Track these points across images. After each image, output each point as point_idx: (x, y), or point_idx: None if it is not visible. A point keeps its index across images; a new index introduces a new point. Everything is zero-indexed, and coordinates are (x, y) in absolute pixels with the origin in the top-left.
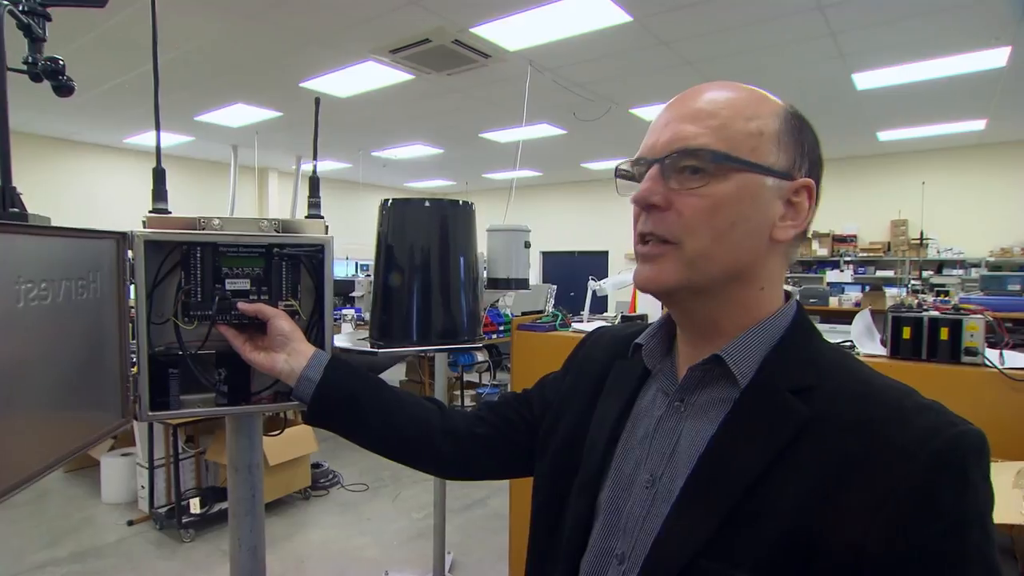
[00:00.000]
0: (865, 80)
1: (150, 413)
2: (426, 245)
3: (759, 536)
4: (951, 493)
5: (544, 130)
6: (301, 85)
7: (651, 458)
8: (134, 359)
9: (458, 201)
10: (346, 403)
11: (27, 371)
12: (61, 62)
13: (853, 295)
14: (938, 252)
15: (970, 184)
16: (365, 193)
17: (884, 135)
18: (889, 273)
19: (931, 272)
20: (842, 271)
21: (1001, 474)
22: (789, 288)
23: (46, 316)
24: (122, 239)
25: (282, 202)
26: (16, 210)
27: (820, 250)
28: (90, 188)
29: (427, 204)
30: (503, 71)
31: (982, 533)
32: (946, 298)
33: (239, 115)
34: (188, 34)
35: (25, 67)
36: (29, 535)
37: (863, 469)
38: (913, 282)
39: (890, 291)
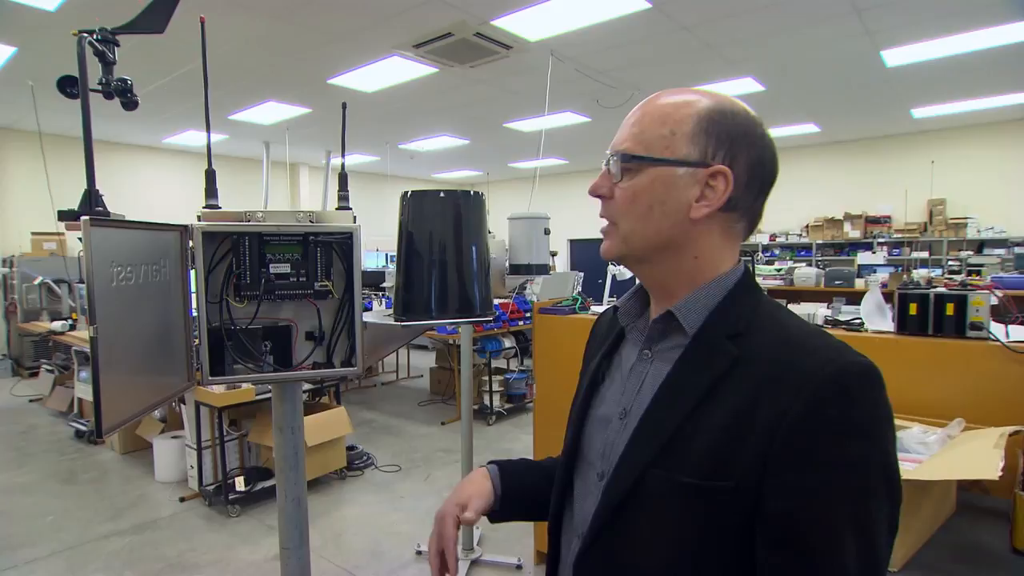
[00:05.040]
0: (895, 57)
1: (211, 378)
2: (442, 230)
3: (694, 450)
4: (836, 408)
5: (568, 118)
6: (329, 81)
7: (624, 396)
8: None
9: (469, 191)
10: (527, 491)
11: (121, 339)
12: (129, 81)
13: (881, 277)
14: (978, 231)
15: (1014, 160)
16: (393, 185)
17: (919, 112)
18: (924, 254)
19: (971, 252)
20: (874, 253)
21: (987, 438)
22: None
23: (132, 294)
24: (184, 231)
25: (313, 195)
26: (100, 209)
27: (852, 232)
28: (133, 187)
29: (441, 195)
30: (525, 61)
31: (868, 443)
32: (976, 278)
33: (270, 113)
34: (220, 37)
35: (100, 87)
36: (94, 509)
37: (771, 393)
38: (950, 263)
39: (922, 272)
